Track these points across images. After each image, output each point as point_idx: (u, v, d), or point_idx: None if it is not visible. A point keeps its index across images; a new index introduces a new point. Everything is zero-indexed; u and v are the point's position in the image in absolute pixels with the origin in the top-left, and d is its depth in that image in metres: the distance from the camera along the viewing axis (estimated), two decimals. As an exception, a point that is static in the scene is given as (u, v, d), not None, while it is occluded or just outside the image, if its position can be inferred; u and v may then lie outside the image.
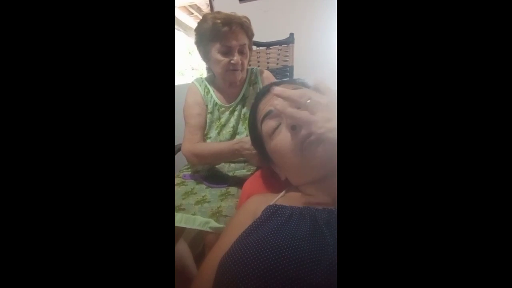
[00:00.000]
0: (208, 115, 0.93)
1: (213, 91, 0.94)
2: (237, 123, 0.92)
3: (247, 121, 0.89)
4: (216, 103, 0.93)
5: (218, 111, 0.93)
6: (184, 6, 1.63)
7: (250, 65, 1.23)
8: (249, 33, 0.88)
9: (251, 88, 0.95)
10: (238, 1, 1.44)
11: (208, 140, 0.91)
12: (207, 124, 0.92)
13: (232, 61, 0.84)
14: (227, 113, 0.93)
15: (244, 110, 0.93)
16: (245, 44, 0.86)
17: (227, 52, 0.84)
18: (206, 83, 0.96)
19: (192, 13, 1.65)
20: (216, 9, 1.49)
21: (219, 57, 0.85)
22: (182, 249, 0.84)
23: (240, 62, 0.85)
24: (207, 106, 0.93)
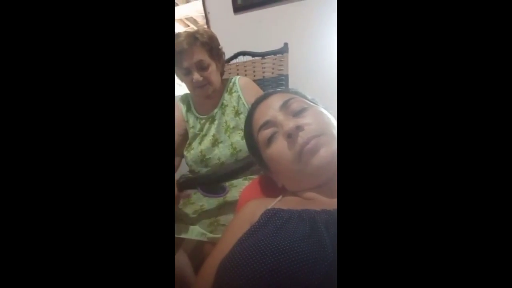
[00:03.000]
0: (191, 129, 0.95)
1: (193, 105, 0.97)
2: (218, 131, 0.92)
3: (229, 129, 0.91)
4: (197, 117, 0.95)
5: (200, 124, 0.95)
6: (180, 19, 1.65)
7: (239, 74, 1.25)
8: (206, 46, 0.84)
9: (229, 96, 0.95)
10: (232, 13, 1.47)
11: (192, 151, 0.93)
12: (191, 138, 0.95)
13: (193, 80, 0.85)
14: (207, 123, 0.94)
15: (225, 118, 0.93)
16: (201, 60, 0.83)
17: (186, 73, 0.85)
18: (189, 99, 0.99)
19: (188, 26, 1.67)
20: (211, 21, 1.52)
21: (183, 78, 0.88)
22: (181, 260, 0.83)
23: (201, 78, 0.84)
24: (187, 121, 0.96)
